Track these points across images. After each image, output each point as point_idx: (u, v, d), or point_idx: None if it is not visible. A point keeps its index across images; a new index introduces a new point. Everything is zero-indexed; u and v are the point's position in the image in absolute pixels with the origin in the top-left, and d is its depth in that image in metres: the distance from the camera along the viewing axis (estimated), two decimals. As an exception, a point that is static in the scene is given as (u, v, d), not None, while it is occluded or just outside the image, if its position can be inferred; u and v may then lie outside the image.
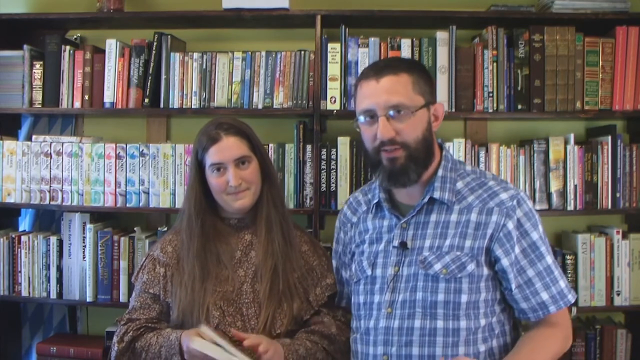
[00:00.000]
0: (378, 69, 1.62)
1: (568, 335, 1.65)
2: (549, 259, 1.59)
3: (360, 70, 2.39)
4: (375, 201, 1.73)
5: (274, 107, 2.47)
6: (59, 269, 2.53)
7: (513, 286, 1.58)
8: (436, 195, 1.62)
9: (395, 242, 1.64)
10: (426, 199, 1.63)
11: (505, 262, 1.57)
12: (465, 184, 1.65)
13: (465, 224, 1.59)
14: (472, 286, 1.56)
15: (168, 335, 1.67)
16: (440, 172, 1.64)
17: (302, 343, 1.71)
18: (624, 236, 2.45)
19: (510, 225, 1.57)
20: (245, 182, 1.77)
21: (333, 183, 2.45)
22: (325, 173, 2.45)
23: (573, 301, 1.62)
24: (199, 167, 1.81)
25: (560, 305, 1.59)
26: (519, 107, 2.42)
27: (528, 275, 1.58)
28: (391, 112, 1.56)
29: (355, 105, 1.67)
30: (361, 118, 1.62)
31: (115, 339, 1.77)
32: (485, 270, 1.58)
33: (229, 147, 1.76)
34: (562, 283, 1.60)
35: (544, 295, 1.58)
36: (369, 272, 1.68)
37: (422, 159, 1.60)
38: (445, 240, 1.59)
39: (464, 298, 1.55)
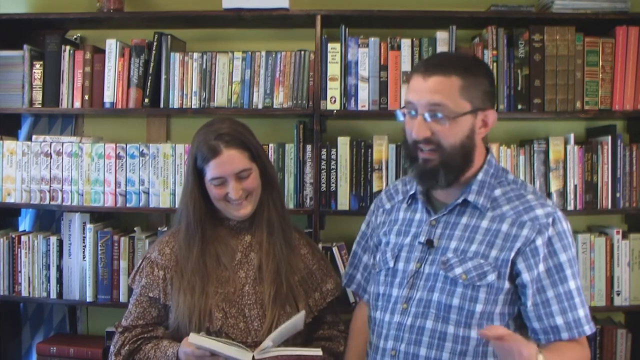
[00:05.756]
0: (430, 66, 1.55)
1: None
2: (573, 284, 1.52)
3: (360, 70, 2.42)
4: (412, 192, 1.69)
5: (274, 107, 2.47)
6: (59, 269, 2.53)
7: (529, 303, 1.52)
8: (471, 198, 1.58)
9: (422, 238, 1.61)
10: (460, 200, 1.59)
11: (526, 277, 1.51)
12: (504, 192, 1.60)
13: (495, 233, 1.55)
14: (489, 297, 1.52)
15: (165, 350, 1.69)
16: (480, 176, 1.59)
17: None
18: (624, 236, 2.45)
19: (539, 241, 1.51)
20: (245, 191, 1.76)
21: (333, 183, 2.45)
22: (325, 173, 2.44)
23: (589, 333, 1.53)
24: (198, 174, 1.79)
25: (574, 333, 1.51)
26: (519, 107, 2.42)
27: (547, 295, 1.51)
28: (430, 113, 1.51)
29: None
30: (404, 110, 1.58)
31: (112, 349, 1.79)
32: (506, 284, 1.53)
33: (230, 161, 1.73)
34: (582, 312, 1.52)
35: (559, 320, 1.51)
36: (391, 264, 1.65)
37: (456, 166, 1.55)
38: (471, 245, 1.55)
39: (479, 307, 1.51)
